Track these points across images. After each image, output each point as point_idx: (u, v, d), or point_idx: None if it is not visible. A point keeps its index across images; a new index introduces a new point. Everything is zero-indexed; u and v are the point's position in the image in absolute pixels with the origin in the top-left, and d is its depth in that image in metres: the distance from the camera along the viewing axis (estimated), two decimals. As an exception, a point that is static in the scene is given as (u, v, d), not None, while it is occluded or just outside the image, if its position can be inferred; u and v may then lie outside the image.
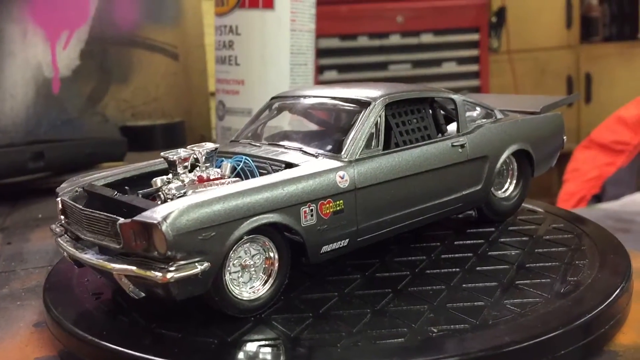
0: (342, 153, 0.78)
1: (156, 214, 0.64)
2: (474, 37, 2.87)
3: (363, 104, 0.84)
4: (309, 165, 0.76)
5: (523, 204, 1.04)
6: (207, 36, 2.09)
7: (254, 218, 0.69)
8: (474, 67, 2.88)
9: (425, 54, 2.82)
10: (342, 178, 0.76)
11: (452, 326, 0.66)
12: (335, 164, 0.77)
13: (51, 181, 1.48)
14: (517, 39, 3.54)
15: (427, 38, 2.82)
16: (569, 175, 2.76)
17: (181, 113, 2.01)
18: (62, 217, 0.78)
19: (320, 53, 2.58)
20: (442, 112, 0.92)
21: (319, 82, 2.42)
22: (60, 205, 0.78)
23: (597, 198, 2.78)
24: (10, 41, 1.65)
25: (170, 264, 0.64)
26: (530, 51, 3.62)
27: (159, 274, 0.63)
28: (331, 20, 2.56)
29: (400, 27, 2.77)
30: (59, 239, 0.77)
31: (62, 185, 0.82)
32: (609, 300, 0.71)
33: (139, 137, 1.78)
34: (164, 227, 0.63)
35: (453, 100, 0.92)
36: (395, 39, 2.78)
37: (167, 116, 1.97)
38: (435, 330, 0.66)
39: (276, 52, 1.46)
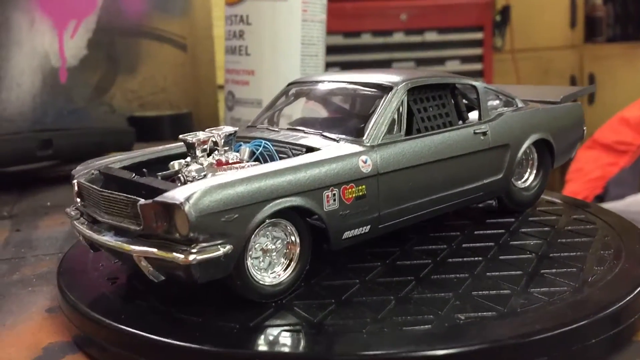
0: (364, 138, 0.77)
1: (178, 194, 0.63)
2: (478, 35, 2.86)
3: (385, 89, 0.82)
4: (331, 149, 0.75)
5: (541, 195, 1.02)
6: (215, 28, 2.07)
7: (277, 201, 0.67)
8: (477, 66, 2.87)
9: (429, 52, 2.80)
10: (364, 163, 0.74)
11: (479, 313, 0.65)
12: (357, 148, 0.76)
13: (59, 169, 1.46)
14: (521, 38, 3.53)
15: (431, 36, 2.81)
16: (572, 175, 2.76)
17: (189, 104, 2.00)
18: (78, 199, 0.77)
19: (324, 50, 2.56)
20: (463, 99, 0.91)
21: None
22: (76, 188, 0.77)
23: (600, 198, 2.78)
24: (17, 30, 1.63)
25: (192, 245, 0.62)
26: (534, 50, 3.61)
27: (181, 256, 0.62)
28: (335, 18, 2.54)
29: (404, 25, 2.76)
30: (74, 222, 0.75)
31: (77, 168, 0.80)
32: (638, 289, 0.69)
33: (146, 127, 1.76)
34: (186, 208, 0.61)
35: (474, 87, 0.91)
36: (399, 37, 2.77)
37: (174, 107, 1.95)
38: (462, 318, 0.64)
39: (287, 43, 1.44)
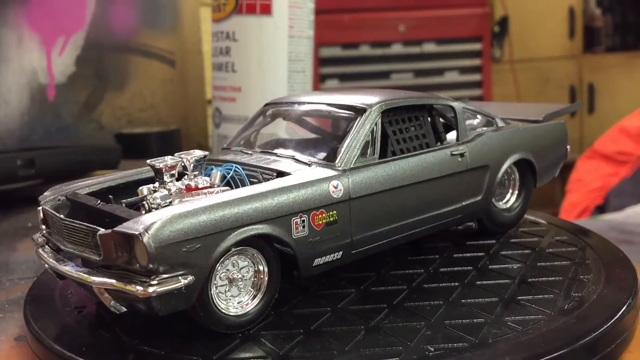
0: (337, 161, 0.75)
1: (138, 224, 0.61)
2: (477, 46, 2.84)
3: (358, 111, 0.81)
4: (302, 174, 0.73)
5: (525, 215, 1.00)
6: (204, 43, 2.06)
7: (242, 229, 0.66)
8: (476, 77, 2.85)
9: (428, 63, 2.79)
10: (335, 187, 0.73)
11: (449, 345, 0.63)
12: (328, 172, 0.74)
13: (43, 189, 1.44)
14: (520, 48, 3.51)
15: (429, 47, 2.79)
16: (572, 185, 2.73)
17: (177, 120, 1.98)
18: (44, 226, 0.75)
19: (322, 62, 2.55)
20: (441, 119, 0.89)
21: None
22: (41, 215, 0.75)
23: (600, 209, 2.75)
24: (5, 47, 1.62)
25: (152, 277, 0.61)
26: (533, 61, 3.59)
27: (140, 288, 0.60)
28: (333, 29, 2.54)
29: (402, 36, 2.75)
30: (39, 250, 0.74)
31: (45, 194, 0.79)
32: (615, 317, 0.67)
33: (135, 144, 1.75)
34: (145, 239, 0.59)
35: (452, 108, 0.89)
36: (397, 48, 2.75)
37: (163, 123, 1.94)
38: (432, 349, 0.62)
39: (274, 59, 1.43)
